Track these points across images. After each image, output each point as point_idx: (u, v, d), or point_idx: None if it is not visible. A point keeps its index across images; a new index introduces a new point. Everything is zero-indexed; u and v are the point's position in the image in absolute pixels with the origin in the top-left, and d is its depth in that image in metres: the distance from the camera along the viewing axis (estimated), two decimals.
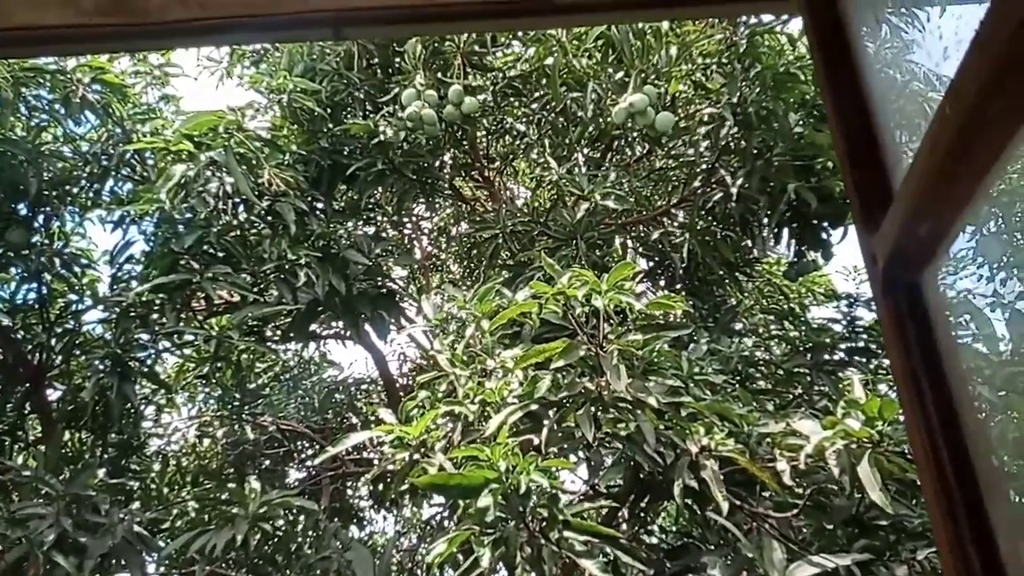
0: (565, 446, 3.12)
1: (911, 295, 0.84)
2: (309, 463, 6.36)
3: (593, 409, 3.00)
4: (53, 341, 5.13)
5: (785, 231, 4.40)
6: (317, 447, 6.46)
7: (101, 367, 4.39)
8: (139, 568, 4.04)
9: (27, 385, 5.30)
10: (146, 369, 4.78)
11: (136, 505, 4.89)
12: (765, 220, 4.37)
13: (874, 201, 0.91)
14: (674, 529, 3.83)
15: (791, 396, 4.18)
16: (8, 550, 3.97)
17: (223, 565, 4.93)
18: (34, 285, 5.04)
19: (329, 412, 6.30)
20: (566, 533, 2.61)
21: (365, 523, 6.68)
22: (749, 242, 5.01)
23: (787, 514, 2.97)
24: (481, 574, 2.73)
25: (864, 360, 4.22)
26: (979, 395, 0.85)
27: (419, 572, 3.98)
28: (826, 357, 4.17)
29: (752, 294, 5.27)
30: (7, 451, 5.20)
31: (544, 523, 2.61)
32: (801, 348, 4.40)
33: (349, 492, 6.87)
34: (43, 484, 4.20)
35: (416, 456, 3.12)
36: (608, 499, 3.36)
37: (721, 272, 4.83)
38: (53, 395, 5.55)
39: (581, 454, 3.36)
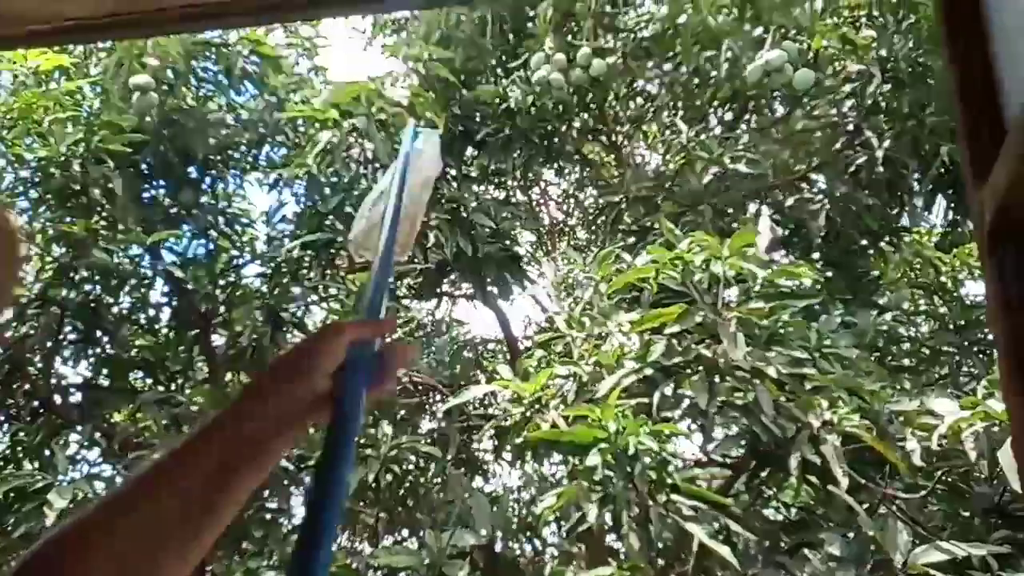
0: (678, 413, 3.10)
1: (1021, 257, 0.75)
2: (439, 415, 6.70)
3: (709, 377, 2.95)
4: (218, 292, 5.74)
5: (939, 197, 4.04)
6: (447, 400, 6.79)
7: (258, 317, 4.86)
8: (285, 499, 4.49)
9: (197, 332, 5.97)
10: (296, 320, 5.24)
11: None
12: (915, 186, 4.03)
13: (985, 142, 0.83)
14: (795, 505, 3.71)
15: (935, 377, 3.86)
16: None
17: (359, 503, 5.35)
18: (202, 241, 5.63)
19: (458, 368, 6.57)
20: (674, 497, 2.61)
21: (490, 475, 6.98)
22: (896, 209, 4.65)
23: (917, 495, 2.79)
24: (589, 529, 2.80)
25: None
26: None
27: (535, 524, 4.12)
28: (978, 336, 3.81)
29: (899, 266, 4.87)
30: (180, 389, 5.90)
31: (652, 485, 2.62)
32: (951, 326, 4.04)
33: (475, 445, 7.20)
34: None
35: (530, 413, 3.22)
36: (723, 467, 3.30)
37: (864, 242, 4.51)
38: (218, 341, 6.21)
39: (696, 424, 3.31)
